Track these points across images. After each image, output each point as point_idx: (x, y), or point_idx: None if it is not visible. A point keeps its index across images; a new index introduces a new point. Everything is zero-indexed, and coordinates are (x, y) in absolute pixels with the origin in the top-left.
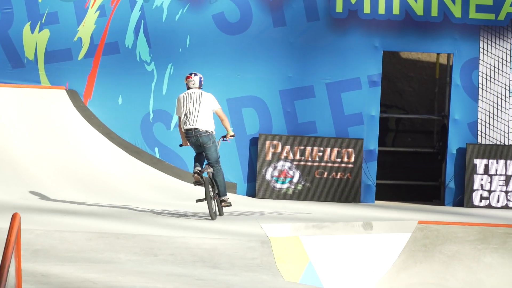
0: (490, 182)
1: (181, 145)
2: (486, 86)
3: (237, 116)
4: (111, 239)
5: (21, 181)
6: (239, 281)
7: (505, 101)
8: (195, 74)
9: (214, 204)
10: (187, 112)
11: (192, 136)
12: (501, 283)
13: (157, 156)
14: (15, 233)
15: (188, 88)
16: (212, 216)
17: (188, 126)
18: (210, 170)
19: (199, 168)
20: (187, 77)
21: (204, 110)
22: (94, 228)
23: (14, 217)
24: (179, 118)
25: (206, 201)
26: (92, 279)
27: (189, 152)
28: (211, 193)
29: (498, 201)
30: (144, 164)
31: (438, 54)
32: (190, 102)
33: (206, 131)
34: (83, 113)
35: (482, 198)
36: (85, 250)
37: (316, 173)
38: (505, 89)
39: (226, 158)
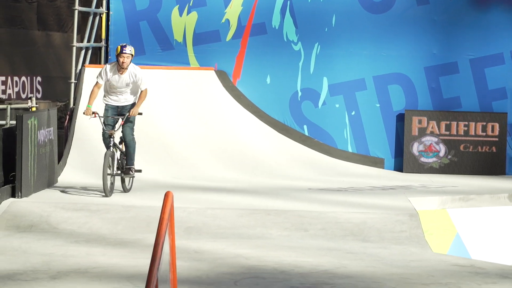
0: None
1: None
2: None
3: (383, 93)
4: (262, 215)
5: (173, 161)
6: (389, 253)
7: None
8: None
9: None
10: None
11: None
12: None
13: (306, 133)
14: (168, 211)
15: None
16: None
17: None
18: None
19: None
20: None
21: None
22: (245, 205)
23: (167, 195)
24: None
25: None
26: (244, 255)
27: (337, 129)
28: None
29: None
30: (293, 141)
31: None
32: None
33: None
34: (232, 92)
35: None
36: (237, 227)
37: (461, 147)
38: None
39: (373, 134)
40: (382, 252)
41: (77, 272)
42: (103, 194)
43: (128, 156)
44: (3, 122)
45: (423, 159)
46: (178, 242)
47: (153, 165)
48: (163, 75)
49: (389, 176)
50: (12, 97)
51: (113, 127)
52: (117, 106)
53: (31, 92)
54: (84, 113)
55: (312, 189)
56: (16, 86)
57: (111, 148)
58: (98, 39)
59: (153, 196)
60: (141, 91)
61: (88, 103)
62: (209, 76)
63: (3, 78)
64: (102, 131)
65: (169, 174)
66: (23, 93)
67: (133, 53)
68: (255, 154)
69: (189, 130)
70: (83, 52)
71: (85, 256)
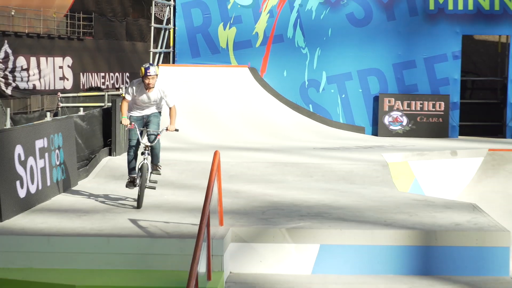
0: None
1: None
2: None
3: (364, 82)
4: (281, 166)
5: (220, 130)
6: (368, 192)
7: None
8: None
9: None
10: None
11: None
12: None
13: (311, 110)
14: (216, 164)
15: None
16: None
17: None
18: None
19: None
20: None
21: None
22: (270, 159)
23: (215, 153)
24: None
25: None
26: (269, 194)
27: (332, 107)
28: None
29: None
30: (302, 116)
31: (499, 36)
32: None
33: None
34: (260, 83)
35: None
36: (264, 174)
37: (418, 118)
38: None
39: (359, 110)
40: (364, 191)
41: (154, 206)
42: (135, 205)
43: (155, 156)
44: (102, 104)
45: (391, 127)
46: (223, 185)
47: (205, 133)
48: (212, 71)
49: (368, 139)
50: (109, 87)
51: (141, 135)
52: (142, 116)
53: (122, 83)
54: (121, 123)
55: (316, 148)
56: (112, 79)
57: (145, 160)
58: (167, 46)
59: (206, 154)
60: (170, 109)
61: (123, 114)
62: (244, 72)
63: (103, 74)
64: (130, 141)
65: (217, 139)
66: (117, 84)
67: (157, 73)
68: (275, 125)
69: (231, 108)
70: (157, 55)
71: (160, 196)
